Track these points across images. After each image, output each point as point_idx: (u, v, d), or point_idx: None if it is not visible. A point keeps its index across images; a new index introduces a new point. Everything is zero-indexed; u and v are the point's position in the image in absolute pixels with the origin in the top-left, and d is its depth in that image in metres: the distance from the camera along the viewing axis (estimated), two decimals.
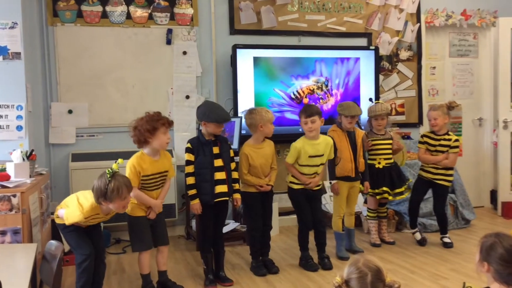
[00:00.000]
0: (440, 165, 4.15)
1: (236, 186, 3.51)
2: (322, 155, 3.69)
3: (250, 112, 3.61)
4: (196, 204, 3.36)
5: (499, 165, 5.47)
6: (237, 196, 3.51)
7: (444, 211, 4.34)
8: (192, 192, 3.36)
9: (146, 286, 3.26)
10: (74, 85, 4.54)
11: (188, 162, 3.38)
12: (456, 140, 4.12)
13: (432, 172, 4.21)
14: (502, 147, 5.43)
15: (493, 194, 5.72)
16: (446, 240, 4.28)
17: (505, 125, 5.37)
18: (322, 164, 3.74)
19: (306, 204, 3.73)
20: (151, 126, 3.06)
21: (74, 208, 2.83)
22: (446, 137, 4.15)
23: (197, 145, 3.36)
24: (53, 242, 3.00)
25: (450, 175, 4.23)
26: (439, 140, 4.17)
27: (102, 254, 3.11)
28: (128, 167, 3.11)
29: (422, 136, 4.31)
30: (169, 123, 3.16)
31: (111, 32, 4.62)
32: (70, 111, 4.49)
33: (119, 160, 2.87)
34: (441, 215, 4.32)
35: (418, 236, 4.37)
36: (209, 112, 3.30)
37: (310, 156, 3.65)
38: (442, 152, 4.14)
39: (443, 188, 4.24)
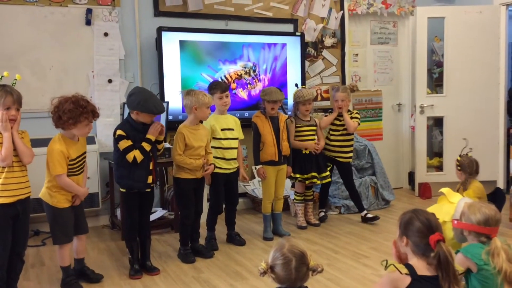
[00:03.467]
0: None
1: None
2: (233, 129, 3.86)
3: (187, 93, 3.56)
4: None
5: (416, 148, 5.77)
6: None
7: (354, 186, 4.65)
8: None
9: (67, 278, 3.11)
10: None
11: (128, 148, 3.18)
12: (357, 113, 4.55)
13: (334, 150, 4.53)
14: (419, 131, 5.72)
15: (411, 176, 6.05)
16: (369, 215, 4.52)
17: (422, 110, 5.67)
18: (235, 138, 3.88)
19: (222, 188, 3.88)
20: (74, 120, 2.90)
21: None
22: (349, 114, 4.50)
23: (130, 131, 3.21)
24: None
25: (349, 152, 4.58)
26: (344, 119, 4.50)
27: (21, 251, 2.90)
28: (56, 153, 2.90)
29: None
30: (93, 115, 2.98)
31: (24, 11, 4.30)
32: None
33: (5, 73, 2.88)
34: (353, 191, 4.61)
35: (321, 214, 4.64)
36: (144, 102, 3.15)
37: (222, 129, 3.80)
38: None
39: (345, 164, 4.57)
